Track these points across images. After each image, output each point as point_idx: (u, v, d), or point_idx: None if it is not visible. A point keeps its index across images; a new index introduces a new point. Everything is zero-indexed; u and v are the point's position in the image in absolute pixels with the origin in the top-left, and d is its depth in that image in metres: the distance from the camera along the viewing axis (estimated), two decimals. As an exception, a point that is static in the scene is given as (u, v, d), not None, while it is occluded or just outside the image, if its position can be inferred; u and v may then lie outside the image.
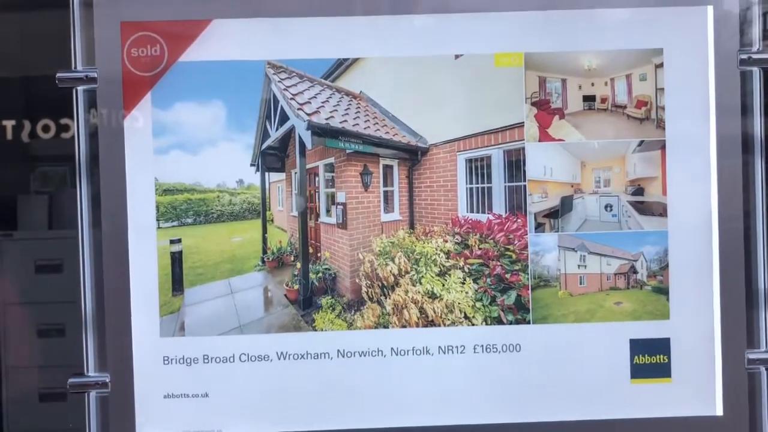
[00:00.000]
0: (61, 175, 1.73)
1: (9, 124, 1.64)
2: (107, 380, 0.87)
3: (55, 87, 0.87)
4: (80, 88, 0.87)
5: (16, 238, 1.64)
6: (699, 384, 0.88)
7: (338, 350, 0.87)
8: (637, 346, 0.88)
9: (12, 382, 1.61)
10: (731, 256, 0.88)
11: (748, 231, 0.89)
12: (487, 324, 0.87)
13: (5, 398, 1.60)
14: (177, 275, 0.86)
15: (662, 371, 0.88)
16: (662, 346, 0.88)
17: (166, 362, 0.87)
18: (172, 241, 0.86)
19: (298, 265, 0.90)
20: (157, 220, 0.86)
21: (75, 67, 0.87)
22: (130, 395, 0.87)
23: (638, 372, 0.88)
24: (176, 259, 0.86)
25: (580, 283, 0.88)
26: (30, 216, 1.70)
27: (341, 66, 0.86)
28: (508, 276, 0.87)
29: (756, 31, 0.89)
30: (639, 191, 0.88)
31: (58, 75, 0.86)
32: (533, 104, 0.87)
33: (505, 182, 0.87)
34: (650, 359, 0.88)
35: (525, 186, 0.87)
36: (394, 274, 0.89)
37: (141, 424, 0.87)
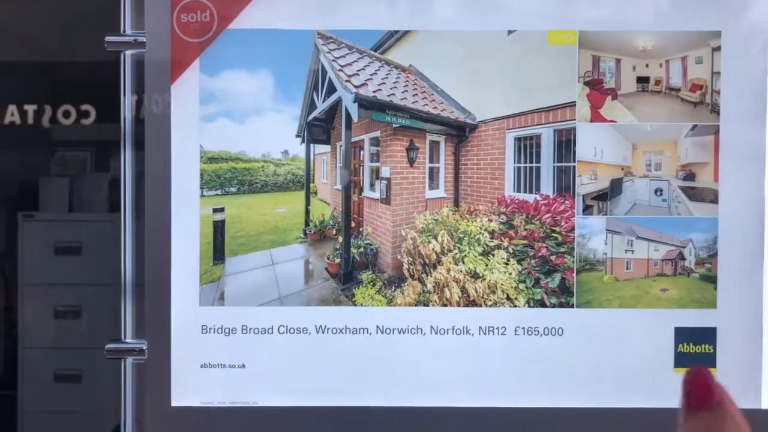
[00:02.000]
0: (81, 159, 1.74)
1: (31, 108, 1.65)
2: (144, 347, 0.87)
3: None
4: (128, 52, 0.87)
5: (37, 219, 1.65)
6: (744, 376, 0.86)
7: (377, 326, 0.86)
8: (683, 335, 0.86)
9: (28, 363, 1.62)
10: (782, 247, 0.86)
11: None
12: (529, 306, 0.86)
13: (21, 378, 1.61)
14: (219, 244, 0.86)
15: (707, 361, 0.86)
16: (708, 335, 0.86)
17: (204, 331, 0.86)
18: (215, 210, 0.86)
19: (340, 239, 0.89)
20: (201, 188, 0.85)
21: (124, 31, 0.87)
22: (167, 363, 0.86)
23: (682, 361, 0.86)
24: (218, 227, 0.86)
25: (627, 268, 0.86)
26: (51, 198, 1.71)
27: (391, 38, 0.85)
28: (553, 258, 0.86)
29: (817, 16, 0.86)
30: (690, 176, 0.86)
31: (107, 38, 0.86)
32: (586, 84, 0.85)
33: (554, 162, 0.86)
34: (695, 348, 0.86)
35: (574, 167, 0.85)
36: (436, 252, 0.87)
37: (177, 392, 0.86)
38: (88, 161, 1.75)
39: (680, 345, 0.86)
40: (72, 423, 1.62)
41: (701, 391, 0.35)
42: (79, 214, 1.67)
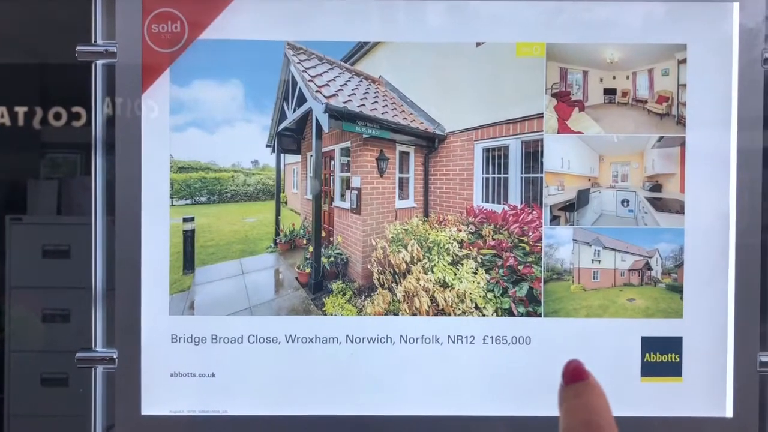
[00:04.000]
0: (71, 161, 1.74)
1: (21, 110, 1.65)
2: (114, 356, 0.87)
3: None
4: (99, 62, 0.87)
5: (25, 222, 1.64)
6: (710, 385, 0.87)
7: (347, 335, 0.87)
8: (649, 344, 0.87)
9: (15, 366, 1.62)
10: (747, 257, 0.87)
11: (766, 231, 0.88)
12: (497, 315, 0.86)
13: (8, 381, 1.61)
14: (189, 253, 0.86)
15: (673, 370, 0.87)
16: (674, 344, 0.87)
17: (174, 340, 0.87)
18: (185, 219, 0.86)
19: (311, 248, 0.90)
20: (171, 197, 0.86)
21: (95, 41, 0.87)
22: (137, 372, 0.87)
23: (649, 370, 0.87)
24: (188, 237, 0.86)
25: (594, 278, 0.87)
26: (39, 201, 1.70)
27: (361, 49, 0.86)
28: (521, 268, 0.87)
29: (782, 30, 0.88)
30: (656, 187, 0.87)
31: (78, 48, 0.86)
32: (553, 95, 0.86)
33: (521, 173, 0.87)
34: (661, 357, 0.87)
35: (542, 178, 0.86)
36: (406, 262, 0.88)
37: (147, 401, 0.87)
38: (77, 164, 1.74)
39: (647, 354, 0.87)
40: (58, 427, 1.62)
41: (575, 370, 0.44)
42: (67, 217, 1.67)
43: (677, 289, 0.87)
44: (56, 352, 1.61)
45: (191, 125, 0.85)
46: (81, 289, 1.60)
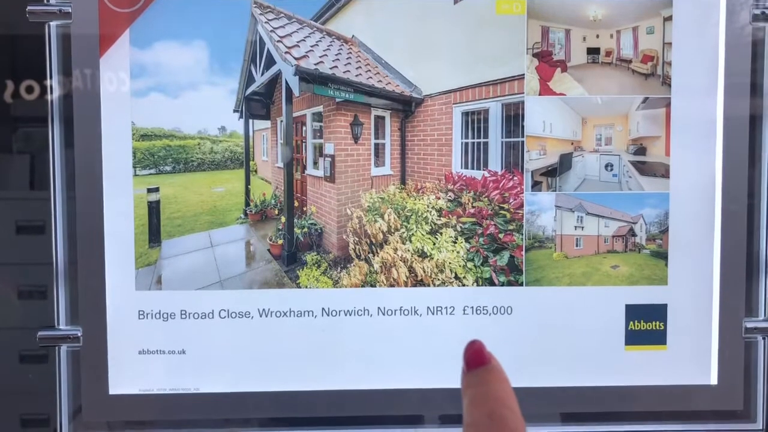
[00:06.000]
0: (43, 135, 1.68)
1: None
2: (79, 334, 0.83)
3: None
4: (53, 23, 0.81)
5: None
6: (694, 352, 0.85)
7: (323, 308, 0.83)
8: (633, 312, 0.85)
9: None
10: (733, 222, 0.84)
11: (752, 197, 0.86)
12: (478, 285, 0.84)
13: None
14: (154, 226, 0.82)
15: (658, 338, 0.85)
16: (659, 312, 0.85)
17: (141, 317, 0.83)
18: (149, 190, 0.82)
19: (283, 219, 0.86)
20: (134, 167, 0.81)
21: (47, 1, 0.81)
22: (103, 350, 0.83)
23: (633, 338, 0.85)
24: (153, 208, 0.82)
25: (577, 245, 0.85)
26: (11, 176, 1.64)
27: (332, 7, 0.81)
28: (501, 236, 0.84)
29: (770, -15, 0.84)
30: (641, 151, 0.84)
31: (29, 8, 0.81)
32: (535, 56, 0.83)
33: (502, 138, 0.83)
34: (646, 326, 0.85)
35: (523, 142, 0.83)
36: (383, 231, 0.85)
37: (114, 380, 0.83)
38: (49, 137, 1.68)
39: (631, 322, 0.85)
40: (38, 403, 1.59)
41: (476, 354, 0.44)
42: (41, 192, 1.61)
43: (662, 255, 0.85)
44: (34, 328, 1.57)
45: (153, 90, 0.81)
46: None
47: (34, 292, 1.58)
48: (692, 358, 0.85)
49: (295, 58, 0.84)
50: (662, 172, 0.84)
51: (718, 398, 0.86)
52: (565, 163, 0.84)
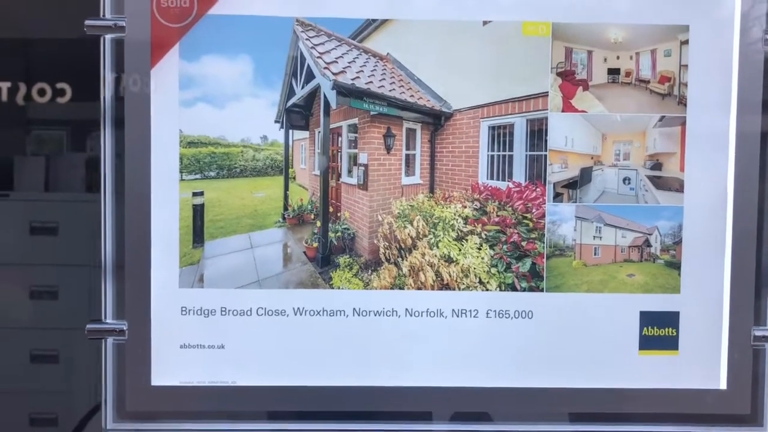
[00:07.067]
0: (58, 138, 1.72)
1: (5, 86, 1.63)
2: (124, 328, 0.88)
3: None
4: (108, 37, 0.87)
5: (12, 199, 1.63)
6: (705, 358, 0.90)
7: (354, 309, 0.88)
8: (647, 318, 0.89)
9: (2, 343, 1.62)
10: (744, 235, 0.89)
11: (762, 212, 0.90)
12: (501, 290, 0.89)
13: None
14: (198, 227, 0.87)
15: (670, 344, 0.90)
16: (671, 319, 0.90)
17: (183, 313, 0.88)
18: (194, 194, 0.87)
19: (318, 223, 0.91)
20: (181, 172, 0.87)
21: (103, 15, 0.87)
22: (147, 344, 0.88)
23: (646, 343, 0.90)
24: (198, 211, 0.87)
25: (595, 254, 0.89)
26: (26, 177, 1.69)
27: (369, 27, 0.86)
28: (524, 244, 0.89)
29: (782, 12, 0.89)
30: (657, 166, 0.89)
31: (87, 22, 0.86)
32: (558, 74, 0.88)
33: (526, 151, 0.88)
34: (659, 332, 0.89)
35: (546, 155, 0.88)
36: (411, 237, 0.90)
37: (157, 372, 0.88)
38: (63, 140, 1.73)
39: (645, 328, 0.90)
40: (49, 402, 1.62)
41: None
42: (55, 194, 1.66)
43: (675, 265, 0.89)
44: (45, 329, 1.61)
45: (200, 100, 0.86)
46: (70, 266, 1.60)
47: (44, 293, 1.62)
48: (703, 364, 0.90)
49: (333, 73, 0.89)
50: (677, 186, 0.89)
51: (726, 402, 0.90)
52: (585, 176, 0.89)
